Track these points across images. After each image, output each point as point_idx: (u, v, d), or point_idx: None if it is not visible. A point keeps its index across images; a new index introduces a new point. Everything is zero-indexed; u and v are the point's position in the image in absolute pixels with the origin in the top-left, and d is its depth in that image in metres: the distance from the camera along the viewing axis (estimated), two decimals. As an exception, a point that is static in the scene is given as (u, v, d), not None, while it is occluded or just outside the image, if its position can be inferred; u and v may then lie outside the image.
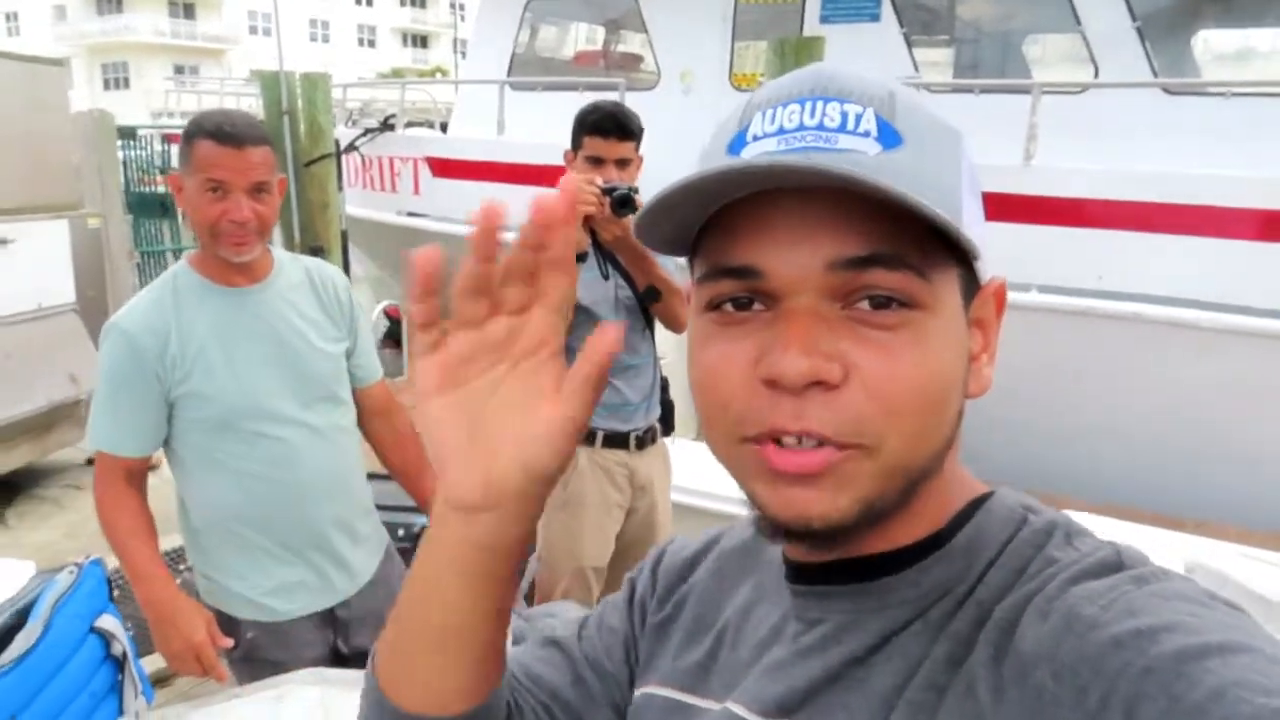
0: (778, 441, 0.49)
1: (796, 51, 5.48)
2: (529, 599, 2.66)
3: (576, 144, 2.40)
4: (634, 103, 7.26)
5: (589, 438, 2.47)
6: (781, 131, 0.51)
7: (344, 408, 1.98)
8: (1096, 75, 5.79)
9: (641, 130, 2.41)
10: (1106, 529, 2.88)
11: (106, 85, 37.60)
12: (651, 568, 0.73)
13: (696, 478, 2.87)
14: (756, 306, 0.51)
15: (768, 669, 0.57)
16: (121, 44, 37.92)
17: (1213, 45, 6.89)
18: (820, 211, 0.49)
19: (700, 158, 0.56)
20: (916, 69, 6.42)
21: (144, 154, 8.74)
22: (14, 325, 4.57)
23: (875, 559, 0.54)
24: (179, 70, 38.44)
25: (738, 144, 0.52)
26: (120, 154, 7.46)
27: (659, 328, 2.56)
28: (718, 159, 0.53)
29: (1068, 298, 4.82)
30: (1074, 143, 5.14)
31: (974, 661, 0.48)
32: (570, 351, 2.12)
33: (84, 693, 1.36)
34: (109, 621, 1.45)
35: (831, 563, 0.56)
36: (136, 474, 1.83)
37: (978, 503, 0.56)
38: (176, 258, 7.75)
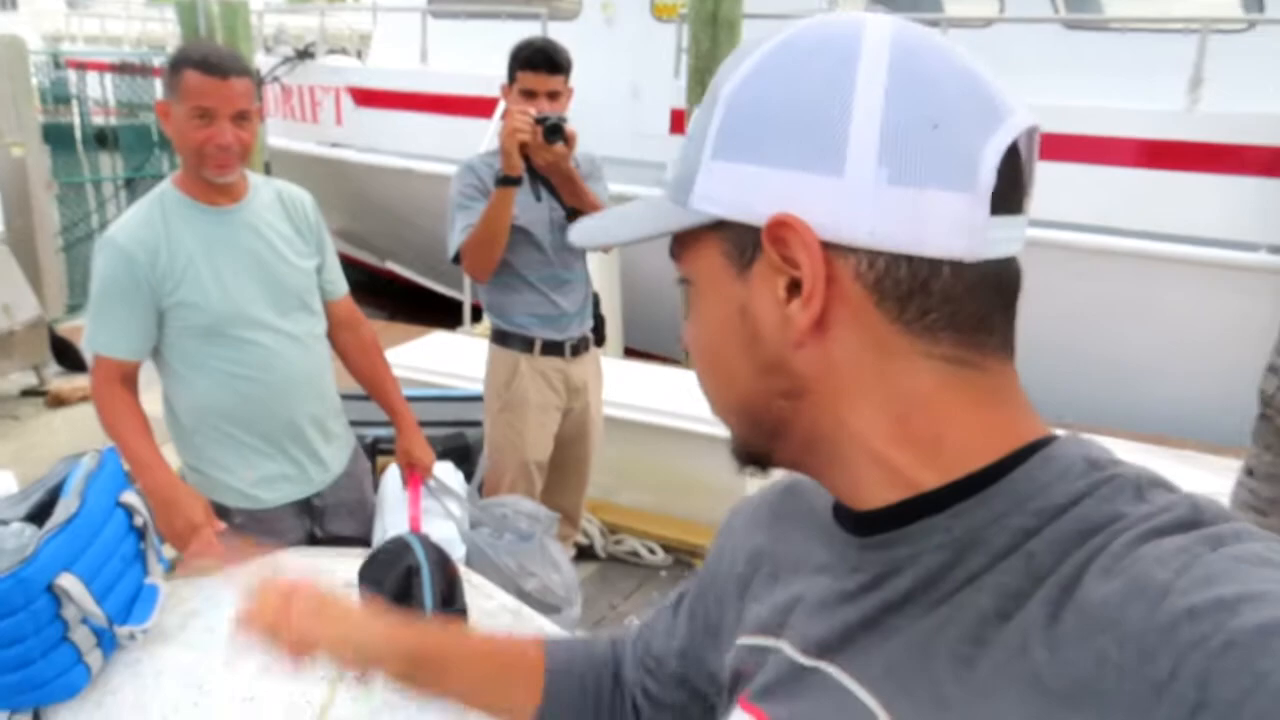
0: None
1: (716, -18, 5.62)
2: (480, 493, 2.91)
3: (511, 78, 2.60)
4: (556, 33, 7.32)
5: (528, 345, 2.72)
6: None
7: (316, 317, 2.18)
8: (1002, 10, 6.10)
9: (570, 64, 2.62)
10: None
11: (-10, 7, 35.32)
12: (723, 541, 0.76)
13: (612, 390, 3.12)
14: None
15: (813, 609, 0.58)
16: (5, -38, 35.59)
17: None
18: None
19: None
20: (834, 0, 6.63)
21: (39, 81, 8.41)
22: (-58, 256, 4.56)
23: (900, 506, 0.53)
24: (70, -9, 36.26)
25: None
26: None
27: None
28: None
29: None
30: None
31: (1027, 619, 0.46)
32: (507, 267, 2.45)
33: (116, 555, 1.55)
34: (131, 497, 1.63)
35: (870, 511, 0.55)
36: (130, 377, 2.00)
37: (1033, 448, 0.52)
38: (95, 189, 7.60)
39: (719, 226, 0.54)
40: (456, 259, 2.62)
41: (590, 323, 2.86)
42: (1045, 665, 0.44)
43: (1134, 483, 0.49)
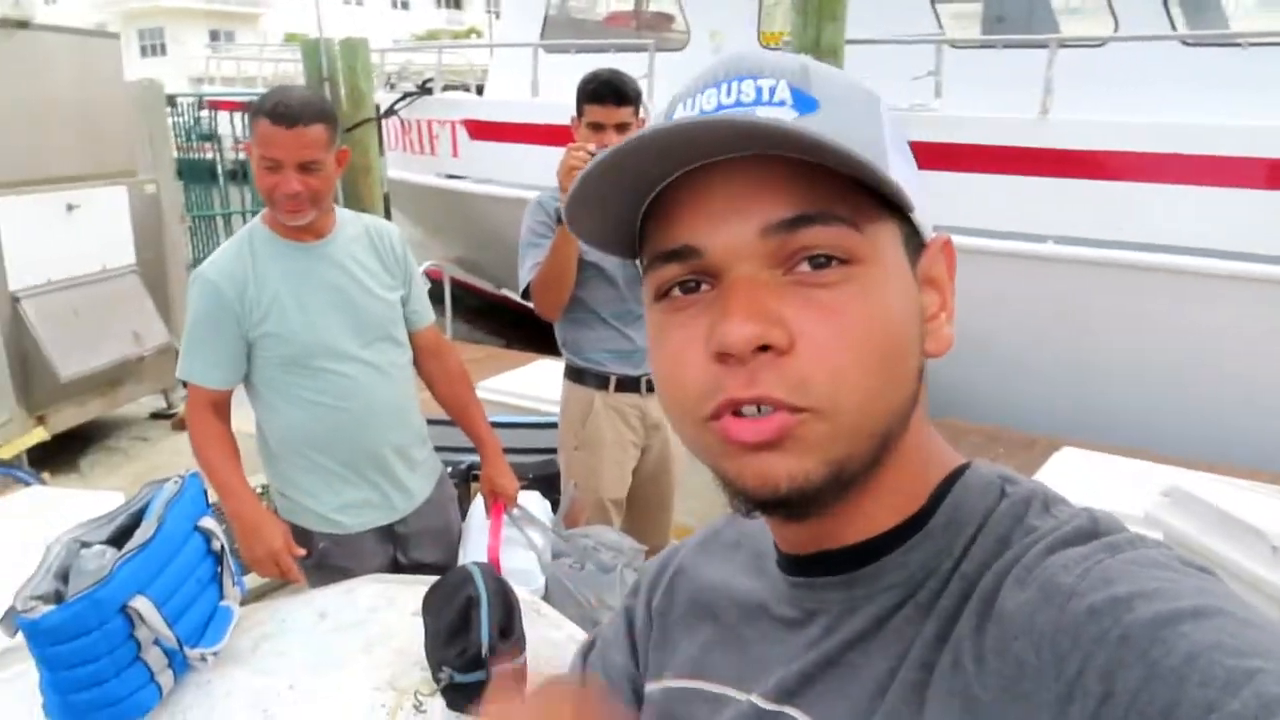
0: (737, 414, 0.50)
1: (819, 8, 5.58)
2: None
3: (579, 111, 2.58)
4: (664, 64, 7.38)
5: (603, 382, 2.68)
6: (702, 114, 0.53)
7: (400, 348, 2.23)
8: (1116, 29, 5.85)
9: (639, 94, 2.58)
10: (1100, 465, 3.04)
11: (144, 52, 37.91)
12: (648, 585, 0.74)
13: None
14: (704, 287, 0.52)
15: (771, 656, 0.59)
16: (158, 10, 38.19)
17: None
18: (747, 180, 0.50)
19: None
20: (940, 25, 6.49)
21: (183, 121, 9.00)
22: (82, 286, 4.88)
23: (862, 546, 0.55)
24: (215, 36, 38.79)
25: None
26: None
27: None
28: None
29: (1083, 249, 4.94)
30: (1095, 96, 5.23)
31: (959, 634, 0.49)
32: (580, 303, 2.41)
33: (192, 578, 1.61)
34: (209, 522, 1.70)
35: (821, 554, 0.56)
36: (220, 404, 2.08)
37: (955, 476, 0.56)
38: (225, 221, 8.06)
39: (900, 215, 0.53)
40: (526, 295, 2.62)
41: None
42: (974, 676, 0.47)
43: (1041, 499, 0.54)
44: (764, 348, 0.48)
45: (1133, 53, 5.57)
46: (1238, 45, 5.39)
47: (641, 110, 2.61)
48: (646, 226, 0.55)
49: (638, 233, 0.56)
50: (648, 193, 0.53)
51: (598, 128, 2.52)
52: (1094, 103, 5.18)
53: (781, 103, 0.51)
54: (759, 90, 0.52)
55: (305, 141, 1.93)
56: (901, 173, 0.53)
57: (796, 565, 0.59)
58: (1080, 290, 4.98)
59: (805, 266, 0.50)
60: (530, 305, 2.65)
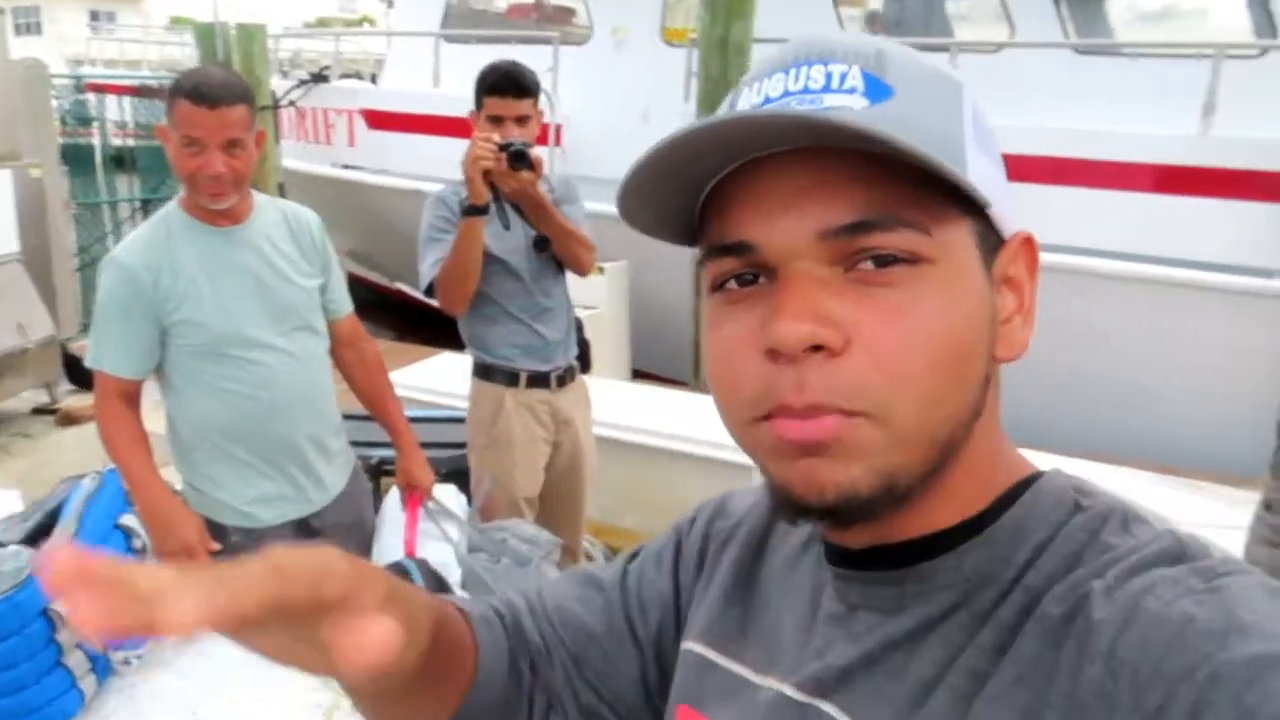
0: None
1: (729, 5, 5.66)
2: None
3: (478, 104, 2.56)
4: (567, 58, 7.34)
5: (513, 379, 2.64)
6: (767, 101, 0.50)
7: (318, 337, 2.19)
8: (1012, 35, 6.11)
9: (538, 87, 2.58)
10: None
11: (18, 30, 35.82)
12: (705, 522, 0.72)
13: (616, 413, 3.06)
14: (761, 280, 0.49)
15: (807, 646, 0.57)
16: (32, -14, 36.24)
17: (1137, 5, 7.27)
18: (807, 176, 0.47)
19: None
20: (841, 26, 6.66)
21: (61, 104, 8.54)
22: (-41, 275, 4.61)
23: (915, 543, 0.52)
24: (95, 16, 36.92)
25: None
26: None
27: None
28: None
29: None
30: (990, 101, 5.41)
31: (1021, 651, 0.46)
32: (486, 298, 2.40)
33: (113, 578, 1.57)
34: (130, 519, 1.65)
35: (872, 548, 0.53)
36: (131, 394, 2.01)
37: (1026, 483, 0.53)
38: (112, 210, 7.69)
39: (974, 212, 0.49)
40: (429, 292, 2.57)
41: (575, 350, 2.79)
42: (1040, 695, 0.44)
43: (1120, 515, 0.49)
44: (817, 348, 0.46)
45: (1028, 59, 5.81)
46: (1127, 55, 5.66)
47: (541, 102, 2.61)
48: (705, 215, 0.53)
49: (696, 220, 0.54)
50: (704, 184, 0.51)
51: (497, 120, 2.50)
52: (989, 108, 5.36)
53: (852, 90, 0.48)
54: (829, 76, 0.49)
55: (228, 121, 1.88)
56: (980, 166, 0.50)
57: (846, 557, 0.55)
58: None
59: (868, 264, 0.47)
60: (433, 302, 2.60)
